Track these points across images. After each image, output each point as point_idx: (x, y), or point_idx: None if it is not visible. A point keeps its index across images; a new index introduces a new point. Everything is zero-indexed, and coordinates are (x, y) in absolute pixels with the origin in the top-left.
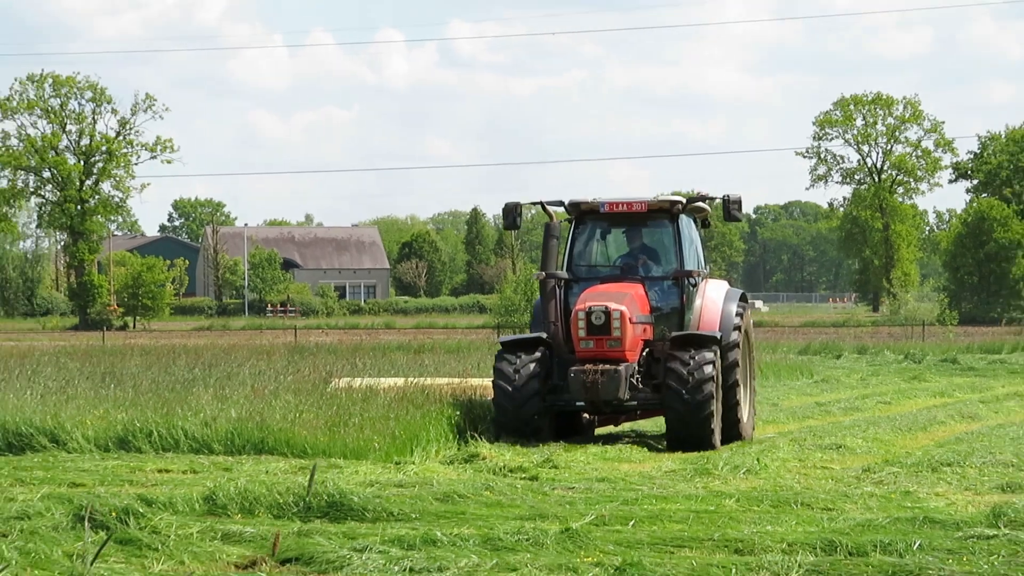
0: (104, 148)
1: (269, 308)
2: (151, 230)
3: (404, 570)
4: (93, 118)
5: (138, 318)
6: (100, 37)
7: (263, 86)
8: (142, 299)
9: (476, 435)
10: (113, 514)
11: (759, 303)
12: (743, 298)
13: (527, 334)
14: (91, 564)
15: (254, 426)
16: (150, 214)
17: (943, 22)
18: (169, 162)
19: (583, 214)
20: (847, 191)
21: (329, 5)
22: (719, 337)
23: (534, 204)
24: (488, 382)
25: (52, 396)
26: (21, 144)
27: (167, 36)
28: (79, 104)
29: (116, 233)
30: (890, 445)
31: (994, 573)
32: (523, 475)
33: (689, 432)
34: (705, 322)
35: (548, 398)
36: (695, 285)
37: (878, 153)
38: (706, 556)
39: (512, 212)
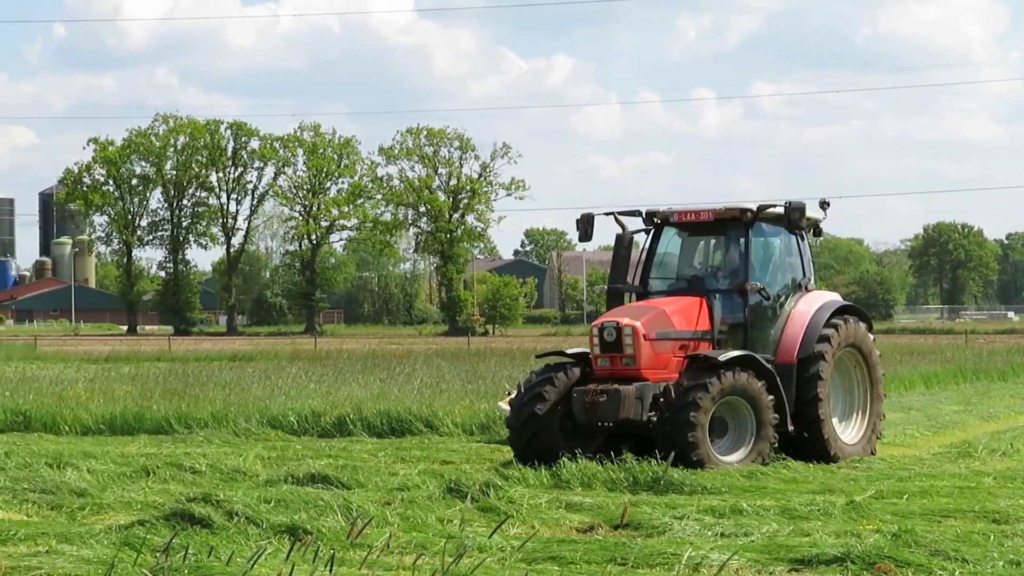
0: (469, 187)
1: None
2: (507, 254)
3: (716, 535)
4: (460, 163)
5: (496, 325)
6: (468, 97)
7: (600, 135)
8: (500, 310)
9: None
10: (476, 487)
11: (1011, 314)
12: (847, 311)
13: (574, 349)
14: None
15: None
16: (506, 241)
17: None
18: (522, 198)
19: (660, 225)
20: None
21: (654, 69)
22: (737, 359)
23: (608, 214)
24: None
25: (427, 389)
26: (402, 185)
27: (522, 96)
28: (449, 152)
29: (478, 256)
30: None
31: None
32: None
33: (674, 454)
34: (788, 337)
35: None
36: (769, 298)
37: None
38: (968, 525)
39: (583, 224)
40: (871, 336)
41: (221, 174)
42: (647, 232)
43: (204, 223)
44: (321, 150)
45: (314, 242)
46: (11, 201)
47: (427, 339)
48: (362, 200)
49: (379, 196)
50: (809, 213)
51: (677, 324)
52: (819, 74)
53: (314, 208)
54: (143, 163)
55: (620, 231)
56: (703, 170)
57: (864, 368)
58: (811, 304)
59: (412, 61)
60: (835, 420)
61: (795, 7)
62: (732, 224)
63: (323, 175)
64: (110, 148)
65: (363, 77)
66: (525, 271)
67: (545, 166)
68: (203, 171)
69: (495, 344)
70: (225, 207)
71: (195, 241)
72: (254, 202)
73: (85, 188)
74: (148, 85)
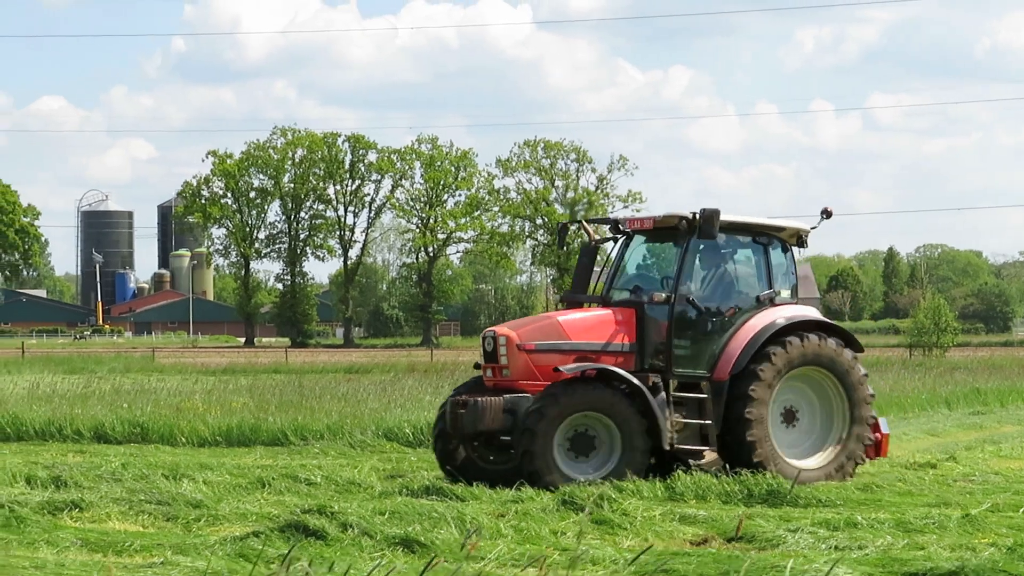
0: (585, 199)
1: None
2: None
3: (830, 548)
4: (576, 175)
5: None
6: (585, 109)
7: (717, 147)
8: None
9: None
10: (590, 499)
11: None
12: (813, 327)
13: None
14: (578, 540)
15: None
16: None
17: None
18: (639, 211)
19: (628, 234)
20: None
21: (771, 81)
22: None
23: (576, 223)
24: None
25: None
26: (519, 197)
27: (640, 108)
28: (565, 164)
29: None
30: None
31: None
32: (930, 468)
33: (521, 468)
34: (727, 353)
35: None
36: (702, 311)
37: None
38: None
39: (559, 232)
40: (849, 353)
41: (339, 187)
42: (615, 241)
43: (321, 236)
44: (438, 162)
45: (431, 254)
46: (130, 214)
47: None
48: (479, 212)
49: (496, 208)
50: (792, 224)
51: (573, 336)
52: (938, 85)
53: (431, 220)
54: (261, 176)
55: (587, 240)
56: (822, 183)
57: (840, 389)
58: (765, 319)
59: (529, 73)
60: (806, 444)
61: (913, 17)
62: (674, 233)
63: (440, 187)
64: (228, 161)
65: (481, 89)
66: None
67: (662, 178)
68: (321, 184)
69: None
70: (342, 220)
71: (312, 254)
72: (371, 215)
73: (203, 201)
74: (266, 98)
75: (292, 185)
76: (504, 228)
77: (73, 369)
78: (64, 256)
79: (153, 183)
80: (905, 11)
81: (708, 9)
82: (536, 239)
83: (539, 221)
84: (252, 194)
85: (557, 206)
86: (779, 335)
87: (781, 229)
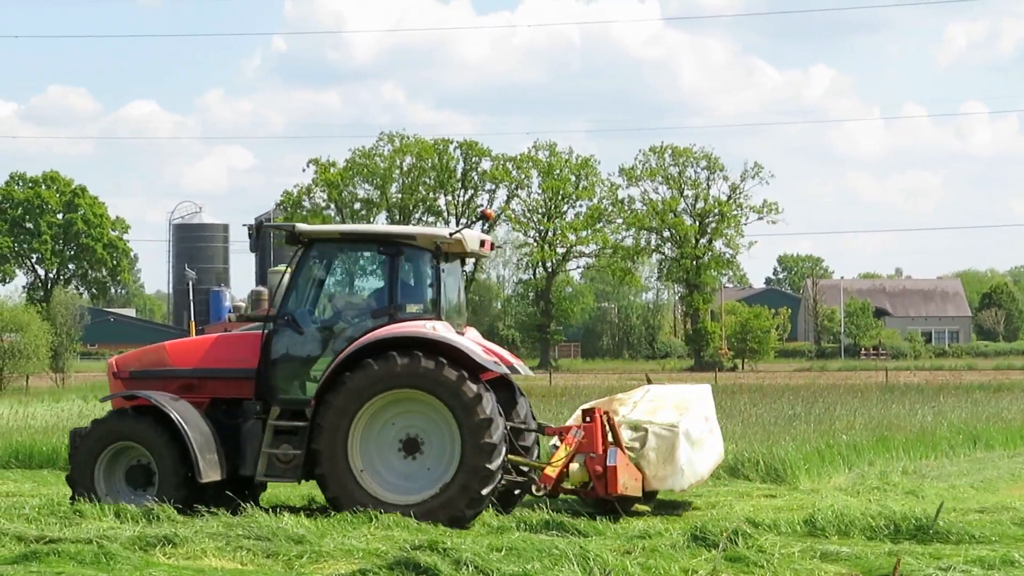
0: (716, 210)
1: (862, 351)
2: (758, 282)
3: None
4: (707, 184)
5: (746, 360)
6: (717, 112)
7: (860, 152)
8: (749, 343)
9: None
10: (723, 534)
11: None
12: (407, 345)
13: None
14: None
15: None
16: (757, 268)
17: None
18: (774, 222)
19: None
20: None
21: (920, 81)
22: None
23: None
24: None
25: None
26: (644, 207)
27: (776, 111)
28: (695, 172)
29: (727, 285)
30: None
31: None
32: None
33: None
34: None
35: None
36: (302, 332)
37: None
38: None
39: (255, 231)
40: (454, 373)
41: (450, 197)
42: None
43: None
44: (557, 171)
45: (549, 270)
46: (226, 227)
47: (671, 374)
48: (601, 224)
49: (620, 220)
50: (424, 231)
51: (178, 362)
52: None
53: (549, 234)
54: (366, 185)
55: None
56: (975, 191)
57: (448, 415)
58: (363, 340)
59: (657, 73)
60: (430, 476)
61: None
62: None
63: (559, 198)
64: (331, 170)
65: (603, 91)
66: (778, 301)
67: (800, 187)
68: (431, 194)
69: (744, 380)
70: None
71: None
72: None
73: (305, 212)
74: (373, 101)
75: (400, 195)
76: (628, 242)
77: None
78: (155, 272)
79: (251, 194)
80: None
81: (852, 4)
82: (663, 253)
83: (666, 234)
84: (357, 205)
85: (686, 217)
86: (362, 356)
87: (411, 237)
